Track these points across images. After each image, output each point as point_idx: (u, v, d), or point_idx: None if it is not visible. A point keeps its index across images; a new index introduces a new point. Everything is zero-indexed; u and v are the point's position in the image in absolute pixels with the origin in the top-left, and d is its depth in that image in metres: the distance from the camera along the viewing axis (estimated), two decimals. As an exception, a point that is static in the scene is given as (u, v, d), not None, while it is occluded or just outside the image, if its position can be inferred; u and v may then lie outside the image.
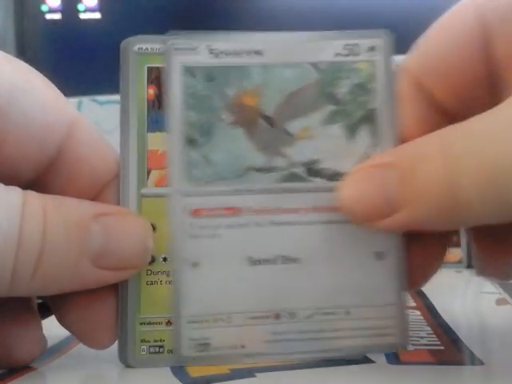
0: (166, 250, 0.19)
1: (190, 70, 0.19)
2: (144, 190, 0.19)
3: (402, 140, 0.20)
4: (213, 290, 0.19)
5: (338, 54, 0.20)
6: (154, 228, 0.19)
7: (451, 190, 0.15)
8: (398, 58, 0.20)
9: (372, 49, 0.20)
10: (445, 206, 0.16)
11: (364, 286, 0.19)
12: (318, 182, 0.19)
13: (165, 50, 0.19)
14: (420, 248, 0.20)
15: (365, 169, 0.18)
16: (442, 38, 0.20)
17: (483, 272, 0.22)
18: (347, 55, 0.20)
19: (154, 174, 0.19)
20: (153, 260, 0.19)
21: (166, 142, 0.19)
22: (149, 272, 0.19)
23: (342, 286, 0.19)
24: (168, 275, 0.19)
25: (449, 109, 0.20)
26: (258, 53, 0.19)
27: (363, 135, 0.19)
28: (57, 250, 0.16)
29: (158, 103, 0.20)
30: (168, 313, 0.19)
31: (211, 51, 0.19)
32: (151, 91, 0.20)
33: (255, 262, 0.19)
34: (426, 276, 0.21)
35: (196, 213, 0.19)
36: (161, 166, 0.19)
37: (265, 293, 0.19)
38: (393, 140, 0.19)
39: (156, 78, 0.20)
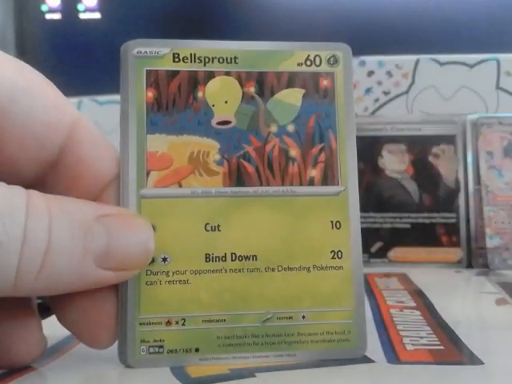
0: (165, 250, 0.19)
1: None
2: (143, 191, 0.19)
3: None
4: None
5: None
6: (153, 229, 0.19)
7: None
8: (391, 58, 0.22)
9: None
10: None
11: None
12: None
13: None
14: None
15: None
16: None
17: None
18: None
19: (154, 175, 0.19)
20: (152, 260, 0.19)
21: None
22: (148, 272, 0.19)
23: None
24: (168, 275, 0.19)
25: None
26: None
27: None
28: (61, 250, 0.16)
29: (157, 106, 0.20)
30: (168, 313, 0.19)
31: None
32: (150, 94, 0.20)
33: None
34: None
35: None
36: (160, 167, 0.20)
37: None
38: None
39: (155, 80, 0.20)
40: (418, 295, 0.30)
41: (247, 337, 0.19)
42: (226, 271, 0.19)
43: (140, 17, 0.54)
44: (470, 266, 0.41)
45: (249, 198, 0.20)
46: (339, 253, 0.20)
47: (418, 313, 0.26)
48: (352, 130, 0.20)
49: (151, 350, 0.19)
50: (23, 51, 0.55)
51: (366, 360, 0.19)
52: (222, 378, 0.18)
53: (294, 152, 0.20)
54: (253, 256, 0.19)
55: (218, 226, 0.19)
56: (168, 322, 0.19)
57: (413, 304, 0.28)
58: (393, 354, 0.20)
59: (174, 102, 0.20)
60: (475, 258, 0.41)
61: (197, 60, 0.20)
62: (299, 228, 0.20)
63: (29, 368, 0.19)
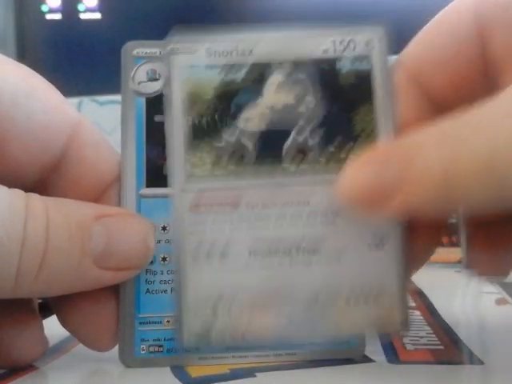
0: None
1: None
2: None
3: (401, 133, 0.20)
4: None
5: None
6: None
7: (447, 178, 0.16)
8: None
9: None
10: (440, 193, 0.16)
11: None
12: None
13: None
14: (416, 233, 0.20)
15: (365, 158, 0.18)
16: (440, 31, 0.20)
17: (476, 269, 0.22)
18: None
19: None
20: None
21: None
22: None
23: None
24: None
25: (447, 102, 0.20)
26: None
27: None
28: (60, 250, 0.16)
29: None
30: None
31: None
32: None
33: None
34: (421, 261, 0.21)
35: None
36: None
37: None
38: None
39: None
40: (418, 295, 0.30)
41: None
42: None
43: (140, 17, 0.54)
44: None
45: None
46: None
47: (417, 313, 0.26)
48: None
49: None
50: (23, 51, 0.55)
51: (367, 360, 0.19)
52: (222, 377, 0.18)
53: None
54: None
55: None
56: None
57: (413, 304, 0.28)
58: (393, 354, 0.20)
59: None
60: (475, 258, 0.41)
61: None
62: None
63: (30, 367, 0.19)
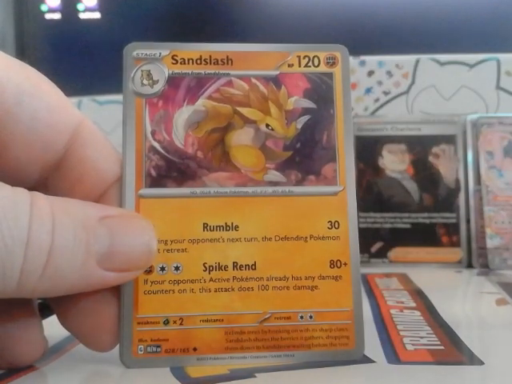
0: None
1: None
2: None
3: None
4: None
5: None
6: None
7: None
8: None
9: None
10: None
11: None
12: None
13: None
14: None
15: None
16: None
17: None
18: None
19: None
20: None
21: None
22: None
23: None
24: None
25: None
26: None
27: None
28: (64, 251, 0.16)
29: None
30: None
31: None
32: None
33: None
34: None
35: None
36: None
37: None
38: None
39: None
40: (418, 295, 0.30)
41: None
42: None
43: (140, 16, 0.54)
44: (470, 266, 0.41)
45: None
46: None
47: (418, 313, 0.26)
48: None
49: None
50: (23, 51, 0.55)
51: (367, 360, 0.19)
52: (222, 378, 0.18)
53: None
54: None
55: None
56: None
57: (413, 304, 0.28)
58: (393, 354, 0.20)
59: None
60: (475, 258, 0.41)
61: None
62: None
63: (30, 367, 0.19)
